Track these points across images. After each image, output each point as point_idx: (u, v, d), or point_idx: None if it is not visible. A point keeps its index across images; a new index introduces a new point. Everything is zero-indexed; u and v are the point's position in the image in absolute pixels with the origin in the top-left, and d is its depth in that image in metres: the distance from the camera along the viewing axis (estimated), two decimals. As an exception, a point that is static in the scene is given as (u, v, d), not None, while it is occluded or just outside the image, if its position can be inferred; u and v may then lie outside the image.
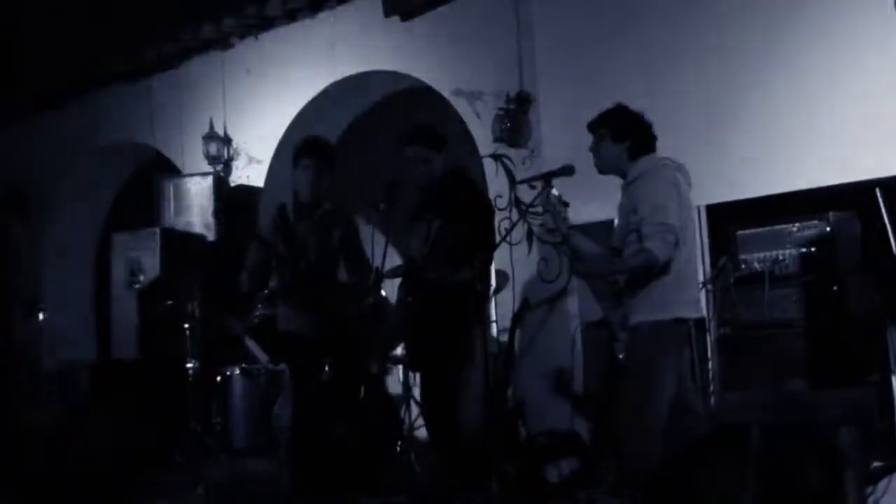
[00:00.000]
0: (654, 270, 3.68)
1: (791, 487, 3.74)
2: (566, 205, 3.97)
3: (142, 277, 7.04)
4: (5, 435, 7.30)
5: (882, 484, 4.00)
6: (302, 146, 4.82)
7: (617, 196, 4.02)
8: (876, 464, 4.10)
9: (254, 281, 4.80)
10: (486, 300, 5.05)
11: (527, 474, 4.79)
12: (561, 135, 5.60)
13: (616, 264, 3.85)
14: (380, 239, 4.53)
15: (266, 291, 5.18)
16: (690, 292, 3.81)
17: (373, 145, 7.16)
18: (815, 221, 4.57)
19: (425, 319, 4.35)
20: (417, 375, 5.02)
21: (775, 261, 4.64)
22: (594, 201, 4.56)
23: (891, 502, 3.96)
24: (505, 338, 5.67)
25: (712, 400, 4.79)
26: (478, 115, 6.31)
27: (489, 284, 4.80)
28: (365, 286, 4.74)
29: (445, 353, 4.27)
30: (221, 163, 7.76)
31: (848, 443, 3.75)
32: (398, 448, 5.47)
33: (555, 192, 3.98)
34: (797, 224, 4.62)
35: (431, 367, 4.42)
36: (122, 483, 5.42)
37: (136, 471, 5.69)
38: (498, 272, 5.36)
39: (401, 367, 6.21)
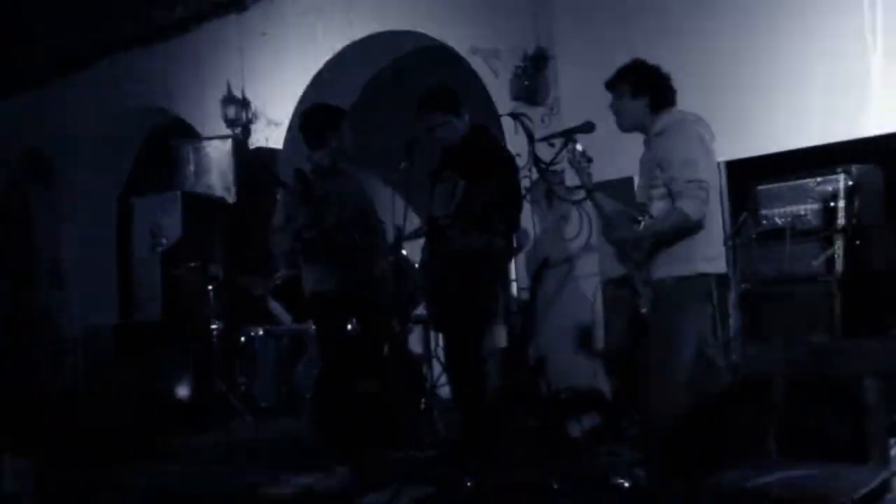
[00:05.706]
0: (688, 229, 3.64)
1: (813, 439, 3.77)
2: (590, 160, 3.95)
3: (164, 240, 7.08)
4: (31, 397, 7.42)
5: (904, 436, 4.02)
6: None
7: (637, 153, 4.00)
8: (898, 416, 4.12)
9: (283, 235, 4.79)
10: (510, 260, 5.05)
11: (548, 429, 4.84)
12: (580, 92, 5.55)
13: (650, 227, 3.73)
14: (400, 199, 4.54)
15: (289, 250, 5.21)
16: (714, 247, 3.78)
17: (390, 105, 7.15)
18: (837, 175, 4.52)
19: (449, 280, 4.36)
20: (440, 336, 5.03)
21: (796, 215, 4.61)
22: (614, 158, 4.54)
23: (913, 454, 3.98)
24: (526, 296, 5.70)
25: (734, 355, 4.80)
26: (495, 73, 6.27)
27: (513, 245, 4.80)
28: (382, 246, 4.77)
29: (470, 313, 4.28)
30: (240, 126, 7.77)
31: (870, 395, 3.77)
32: (422, 405, 5.53)
33: (579, 147, 3.96)
34: (818, 178, 4.58)
35: (456, 328, 4.44)
36: (147, 443, 5.51)
37: (161, 431, 5.78)
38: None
39: (422, 326, 6.25)
